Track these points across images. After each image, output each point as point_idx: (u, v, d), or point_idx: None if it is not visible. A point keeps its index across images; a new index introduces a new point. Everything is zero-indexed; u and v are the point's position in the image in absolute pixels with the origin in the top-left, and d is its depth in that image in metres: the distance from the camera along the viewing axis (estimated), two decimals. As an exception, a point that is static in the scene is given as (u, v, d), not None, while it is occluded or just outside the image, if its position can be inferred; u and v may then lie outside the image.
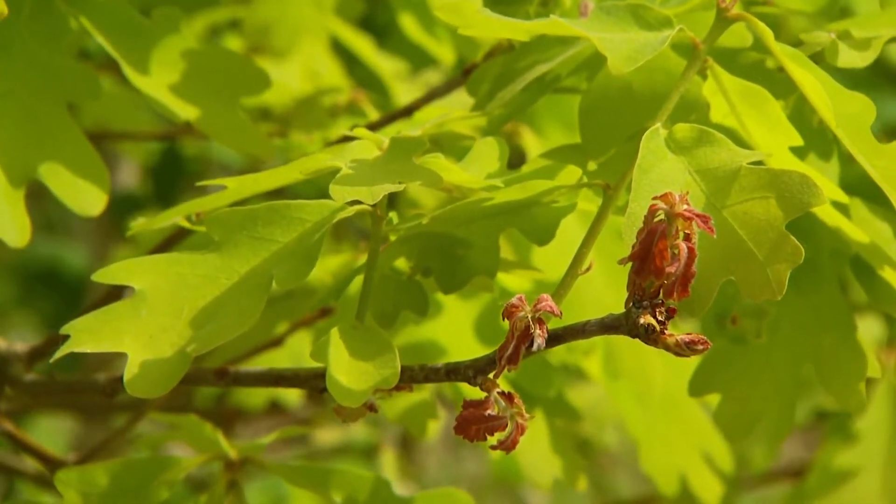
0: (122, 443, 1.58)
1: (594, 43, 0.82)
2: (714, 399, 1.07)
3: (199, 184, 0.96)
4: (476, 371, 0.81)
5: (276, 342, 1.27)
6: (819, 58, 0.90)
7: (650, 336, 0.76)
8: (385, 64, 1.75)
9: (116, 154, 2.43)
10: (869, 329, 1.69)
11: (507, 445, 0.79)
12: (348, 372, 0.80)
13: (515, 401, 0.79)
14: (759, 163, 0.80)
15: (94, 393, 1.06)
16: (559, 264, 0.87)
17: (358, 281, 0.92)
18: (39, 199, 1.25)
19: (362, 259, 1.17)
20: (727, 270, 0.78)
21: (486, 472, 2.88)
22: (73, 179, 1.05)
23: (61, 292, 2.91)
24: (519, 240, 1.02)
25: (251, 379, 1.02)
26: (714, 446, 1.45)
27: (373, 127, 1.10)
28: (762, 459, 1.78)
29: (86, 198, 1.06)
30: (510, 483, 2.68)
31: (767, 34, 0.85)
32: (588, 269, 0.82)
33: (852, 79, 0.94)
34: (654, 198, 0.75)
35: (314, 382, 0.89)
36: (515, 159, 0.95)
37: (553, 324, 0.77)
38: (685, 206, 0.75)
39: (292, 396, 1.95)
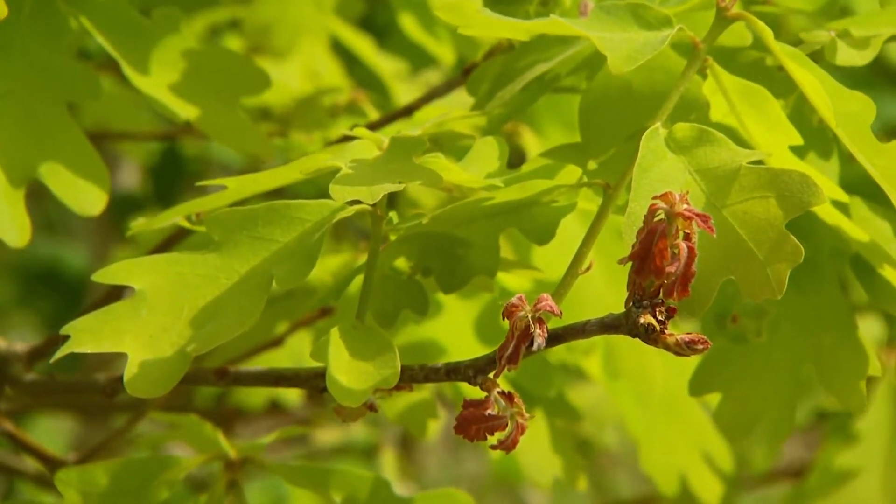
0: (122, 443, 1.58)
1: (594, 42, 0.82)
2: (714, 399, 1.07)
3: (199, 184, 0.96)
4: (476, 371, 0.81)
5: (276, 342, 1.27)
6: (818, 56, 0.90)
7: (650, 336, 0.76)
8: (385, 64, 1.75)
9: (117, 154, 2.43)
10: (869, 329, 1.69)
11: (508, 445, 0.79)
12: (348, 372, 0.80)
13: (515, 400, 0.79)
14: (759, 162, 0.80)
15: (94, 393, 1.06)
16: (559, 264, 0.87)
17: (358, 281, 0.92)
18: (39, 199, 1.25)
19: (362, 259, 1.17)
20: (727, 270, 0.78)
21: (486, 472, 2.88)
22: (73, 179, 1.05)
23: (61, 292, 2.91)
24: (519, 239, 1.02)
25: (251, 379, 1.02)
26: (714, 446, 1.45)
27: (373, 127, 1.10)
28: (762, 459, 1.78)
29: (86, 198, 1.06)
30: (510, 483, 2.68)
31: (767, 33, 0.85)
32: (588, 269, 0.82)
33: (852, 78, 0.94)
34: (654, 197, 0.75)
35: (314, 382, 0.89)
36: (515, 159, 0.95)
37: (553, 323, 0.77)
38: (685, 206, 0.75)
39: (292, 396, 1.95)
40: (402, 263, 0.96)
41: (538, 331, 0.76)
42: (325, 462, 2.19)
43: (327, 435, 2.29)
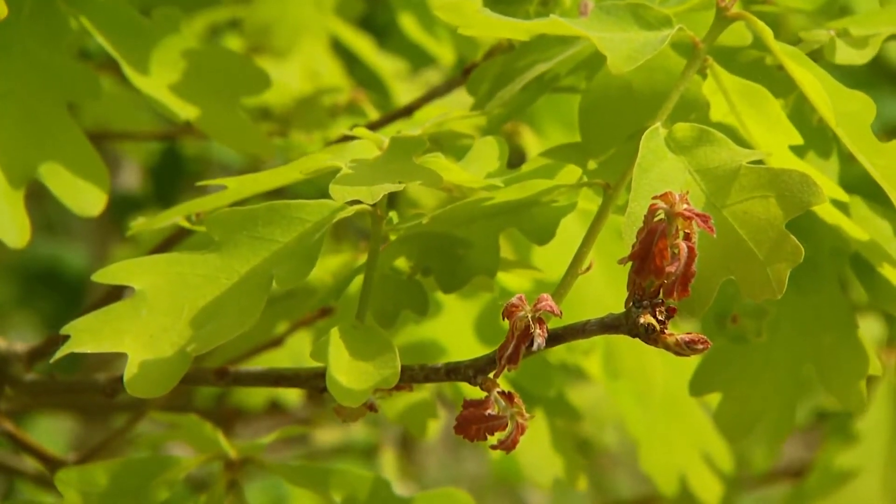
0: (122, 443, 1.58)
1: (594, 42, 0.82)
2: (714, 399, 1.07)
3: (199, 184, 0.96)
4: (476, 371, 0.81)
5: (276, 342, 1.27)
6: (818, 56, 0.90)
7: (650, 336, 0.76)
8: (385, 64, 1.75)
9: (117, 155, 2.43)
10: (869, 329, 1.69)
11: (508, 445, 0.79)
12: (348, 372, 0.80)
13: (516, 400, 0.79)
14: (759, 162, 0.80)
15: (94, 393, 1.06)
16: (559, 264, 0.86)
17: (358, 281, 0.92)
18: (39, 199, 1.25)
19: (362, 259, 1.17)
20: (727, 270, 0.78)
21: (486, 472, 2.88)
22: (73, 179, 1.05)
23: (61, 292, 2.91)
24: (519, 239, 1.02)
25: (251, 379, 1.02)
26: (714, 446, 1.45)
27: (373, 127, 1.10)
28: (762, 459, 1.78)
29: (86, 198, 1.06)
30: (510, 483, 2.68)
31: (767, 33, 0.85)
32: (588, 269, 0.82)
33: (852, 77, 0.94)
34: (654, 197, 0.75)
35: (314, 382, 0.89)
36: (515, 159, 0.95)
37: (553, 323, 0.77)
38: (685, 206, 0.75)
39: (292, 396, 1.95)
40: (402, 263, 0.96)
41: (538, 331, 0.76)
42: (325, 462, 2.19)
43: (327, 435, 2.29)
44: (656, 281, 0.75)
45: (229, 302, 0.83)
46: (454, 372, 0.83)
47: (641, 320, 0.76)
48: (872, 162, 0.85)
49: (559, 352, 1.27)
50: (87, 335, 0.82)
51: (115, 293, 1.08)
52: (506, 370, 0.78)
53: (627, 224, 0.77)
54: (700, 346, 0.75)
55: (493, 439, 0.79)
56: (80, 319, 0.83)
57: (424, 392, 1.25)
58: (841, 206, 0.91)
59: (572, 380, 1.74)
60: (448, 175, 0.86)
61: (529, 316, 0.76)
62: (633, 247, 0.76)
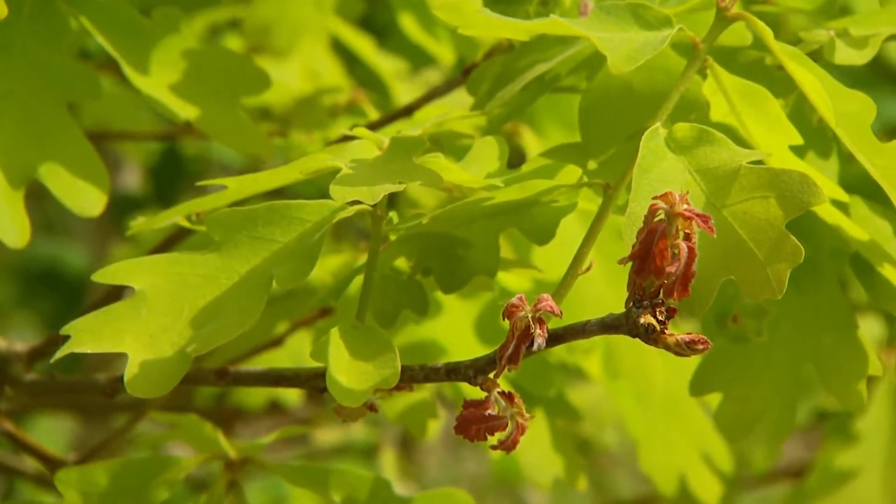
0: (122, 443, 1.58)
1: (594, 42, 0.82)
2: (714, 399, 1.07)
3: (199, 184, 0.96)
4: (476, 371, 0.81)
5: (276, 342, 1.27)
6: (818, 56, 0.90)
7: (650, 336, 0.76)
8: (385, 64, 1.75)
9: (118, 155, 2.43)
10: (869, 329, 1.69)
11: (508, 445, 0.79)
12: (348, 372, 0.80)
13: (516, 400, 0.79)
14: (759, 162, 0.80)
15: (94, 393, 1.06)
16: (559, 264, 0.86)
17: (358, 281, 0.92)
18: (39, 199, 1.25)
19: (362, 259, 1.17)
20: (727, 270, 0.78)
21: (486, 472, 2.88)
22: (73, 179, 1.05)
23: (61, 292, 2.91)
24: (519, 239, 1.02)
25: (251, 379, 1.02)
26: (714, 446, 1.45)
27: (373, 127, 1.10)
28: (762, 459, 1.78)
29: (86, 198, 1.06)
30: (510, 483, 2.68)
31: (767, 33, 0.85)
32: (588, 269, 0.82)
33: (852, 77, 0.94)
34: (655, 197, 0.75)
35: (314, 382, 0.89)
36: (515, 159, 0.95)
37: (553, 323, 0.77)
38: (685, 206, 0.75)
39: (292, 396, 1.95)
40: (402, 263, 0.96)
41: (538, 331, 0.76)
42: (325, 462, 2.19)
43: (327, 435, 2.29)
44: (656, 281, 0.75)
45: (229, 302, 0.83)
46: (454, 372, 0.82)
47: (642, 320, 0.76)
48: (872, 162, 0.85)
49: (559, 352, 1.27)
50: (87, 335, 0.82)
51: (115, 293, 1.08)
52: (506, 370, 0.78)
53: (627, 224, 0.77)
54: (700, 347, 0.75)
55: (493, 439, 0.79)
56: (80, 319, 0.83)
57: (424, 392, 1.25)
58: (841, 207, 0.91)
59: (572, 380, 1.74)
60: (448, 175, 0.86)
61: (530, 316, 0.76)
62: (634, 247, 0.76)
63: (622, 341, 1.26)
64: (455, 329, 1.23)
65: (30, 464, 1.42)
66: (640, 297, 0.76)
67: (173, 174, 2.39)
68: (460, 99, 1.13)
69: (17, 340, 1.19)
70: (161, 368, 0.81)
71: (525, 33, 0.92)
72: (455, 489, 1.00)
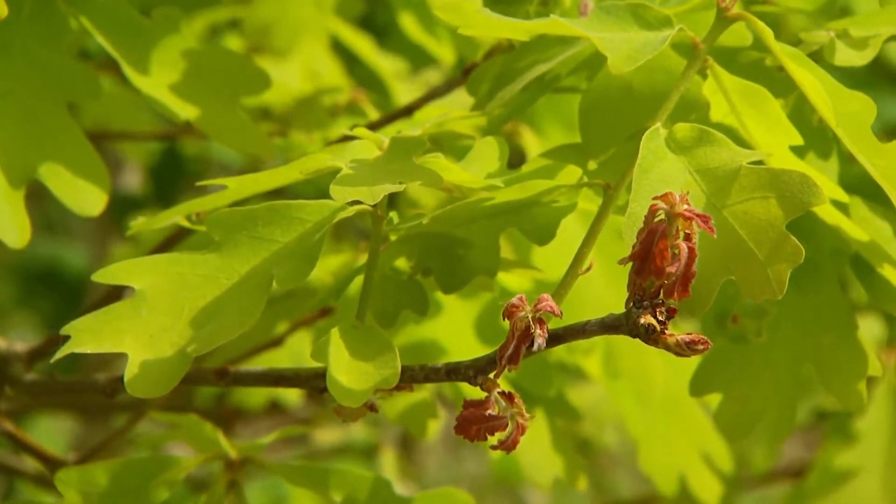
0: (122, 443, 1.58)
1: (594, 42, 0.82)
2: (714, 399, 1.07)
3: (199, 184, 0.96)
4: (476, 371, 0.81)
5: (276, 342, 1.27)
6: (818, 56, 0.90)
7: (650, 336, 0.76)
8: (385, 64, 1.75)
9: (118, 155, 2.43)
10: (869, 329, 1.69)
11: (508, 445, 0.79)
12: (348, 372, 0.80)
13: (516, 401, 0.79)
14: (760, 162, 0.80)
15: (94, 393, 1.06)
16: (559, 264, 0.86)
17: (358, 281, 0.92)
18: (39, 199, 1.25)
19: (362, 259, 1.17)
20: (727, 270, 0.78)
21: (486, 472, 2.88)
22: (73, 179, 1.05)
23: (61, 292, 2.91)
24: (519, 239, 1.02)
25: (251, 379, 1.02)
26: (714, 446, 1.45)
27: (373, 127, 1.10)
28: (762, 459, 1.78)
29: (86, 198, 1.06)
30: (510, 483, 2.68)
31: (767, 33, 0.85)
32: (588, 269, 0.82)
33: (852, 78, 0.94)
34: (655, 197, 0.75)
35: (314, 382, 0.89)
36: (515, 159, 0.95)
37: (553, 324, 0.77)
38: (685, 206, 0.75)
39: (292, 396, 1.95)
40: (402, 263, 0.96)
41: (538, 331, 0.76)
42: (325, 462, 2.19)
43: (327, 435, 2.29)
44: (657, 281, 0.75)
45: (229, 302, 0.83)
46: (454, 372, 0.82)
47: (642, 321, 0.76)
48: (872, 162, 0.85)
49: (559, 352, 1.27)
50: (87, 335, 0.82)
51: (115, 293, 1.08)
52: (506, 370, 0.78)
53: (628, 224, 0.77)
54: (700, 347, 0.75)
55: (493, 439, 0.79)
56: (80, 319, 0.83)
57: (424, 392, 1.24)
58: (841, 207, 0.92)
59: (572, 380, 1.74)
60: (448, 175, 0.86)
61: (530, 316, 0.76)
62: (634, 247, 0.76)
63: (622, 341, 1.26)
64: (455, 329, 1.23)
65: (30, 464, 1.42)
66: (641, 297, 0.76)
67: (173, 174, 2.39)
68: (460, 99, 1.13)
69: (17, 340, 1.19)
70: (161, 368, 0.81)
71: (525, 33, 0.92)
72: (455, 489, 1.00)
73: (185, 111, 1.08)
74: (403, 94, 1.68)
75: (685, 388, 1.05)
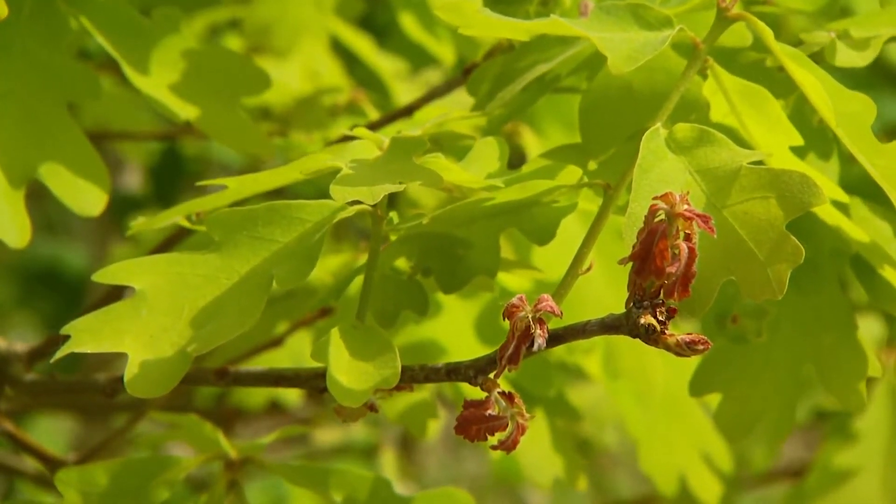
0: (122, 443, 1.58)
1: (594, 43, 0.82)
2: (714, 399, 1.07)
3: (199, 184, 0.96)
4: (476, 371, 0.81)
5: (276, 342, 1.27)
6: (819, 57, 0.90)
7: (651, 336, 0.76)
8: (385, 64, 1.75)
9: (118, 155, 2.43)
10: (869, 329, 1.69)
11: (508, 445, 0.79)
12: (349, 372, 0.80)
13: (516, 401, 0.79)
14: (760, 162, 0.80)
15: (94, 393, 1.06)
16: (559, 264, 0.87)
17: (358, 281, 0.92)
18: (39, 199, 1.25)
19: (362, 259, 1.17)
20: (728, 270, 0.78)
21: (486, 472, 2.88)
22: (73, 179, 1.05)
23: (61, 292, 2.91)
24: (519, 240, 1.02)
25: (251, 379, 1.02)
26: (714, 446, 1.45)
27: (373, 127, 1.10)
28: (762, 459, 1.78)
29: (86, 198, 1.06)
30: (510, 483, 2.68)
31: (767, 34, 0.85)
32: (588, 269, 0.82)
33: (852, 78, 0.94)
34: (655, 198, 0.75)
35: (314, 382, 0.89)
36: (515, 159, 0.95)
37: (554, 324, 0.77)
38: (686, 206, 0.75)
39: (292, 396, 1.95)
40: (402, 263, 0.96)
41: (539, 331, 0.76)
42: (325, 462, 2.19)
43: (327, 435, 2.29)
44: (657, 281, 0.75)
45: (229, 302, 0.83)
46: (454, 372, 0.82)
47: (642, 321, 0.76)
48: (872, 162, 0.85)
49: (559, 352, 1.27)
50: (87, 335, 0.82)
51: (115, 293, 1.08)
52: (506, 370, 0.78)
53: (628, 224, 0.77)
54: (700, 347, 0.75)
55: (493, 439, 0.79)
56: (80, 319, 0.83)
57: (424, 392, 1.25)
58: (841, 207, 0.92)
59: (572, 380, 1.74)
60: (448, 175, 0.86)
61: (530, 316, 0.76)
62: (634, 247, 0.76)
63: (622, 341, 1.26)
64: (455, 329, 1.23)
65: (30, 464, 1.42)
66: (641, 297, 0.76)
67: (173, 174, 2.39)
68: (460, 99, 1.13)
69: (17, 340, 1.19)
70: (161, 368, 0.81)
71: (525, 33, 0.92)
72: (455, 489, 1.00)
73: (185, 111, 1.08)
74: (403, 94, 1.68)
75: (685, 388, 1.05)
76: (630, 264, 0.76)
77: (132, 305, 0.83)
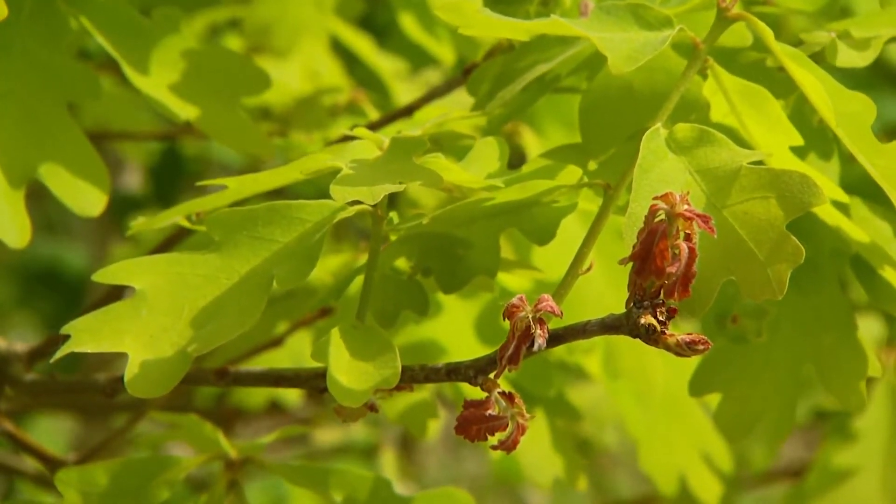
0: (122, 443, 1.58)
1: (594, 43, 0.82)
2: (714, 399, 1.07)
3: (199, 184, 0.96)
4: (477, 371, 0.81)
5: (276, 342, 1.27)
6: (819, 57, 0.90)
7: (651, 336, 0.76)
8: (385, 64, 1.75)
9: (118, 155, 2.43)
10: (869, 329, 1.69)
11: (508, 445, 0.79)
12: (349, 372, 0.80)
13: (516, 401, 0.79)
14: (760, 162, 0.80)
15: (94, 393, 1.06)
16: (559, 264, 0.87)
17: (358, 281, 0.92)
18: (39, 199, 1.25)
19: (362, 259, 1.17)
20: (728, 270, 0.78)
21: (486, 472, 2.88)
22: (73, 179, 1.05)
23: (61, 292, 2.91)
24: (519, 240, 1.02)
25: (251, 379, 1.02)
26: (714, 446, 1.45)
27: (373, 127, 1.10)
28: (762, 459, 1.78)
29: (86, 198, 1.06)
30: (510, 483, 2.68)
31: (768, 34, 0.85)
32: (589, 269, 0.82)
33: (853, 79, 0.94)
34: (655, 198, 0.75)
35: (314, 382, 0.89)
36: (515, 159, 0.95)
37: (554, 324, 0.77)
38: (686, 206, 0.75)
39: (292, 396, 1.95)
40: (402, 263, 0.96)
41: (539, 331, 0.76)
42: (325, 462, 2.19)
43: (327, 435, 2.29)
44: (657, 281, 0.75)
45: (229, 302, 0.83)
46: (454, 372, 0.82)
47: (642, 321, 0.76)
48: (872, 163, 0.85)
49: (559, 352, 1.27)
50: (87, 335, 0.82)
51: (115, 293, 1.08)
52: (506, 370, 0.78)
53: (628, 224, 0.77)
54: (700, 347, 0.75)
55: (493, 439, 0.79)
56: (80, 319, 0.83)
57: (424, 392, 1.25)
58: (841, 207, 0.92)
59: (572, 380, 1.74)
60: (448, 175, 0.86)
61: (530, 316, 0.76)
62: (634, 247, 0.76)
63: (622, 341, 1.26)
64: (455, 329, 1.23)
65: (30, 464, 1.42)
66: (641, 297, 0.76)
67: (173, 174, 2.39)
68: (460, 99, 1.13)
69: (17, 340, 1.19)
70: (161, 368, 0.81)
71: (525, 33, 0.92)
72: (455, 489, 1.00)
73: (185, 111, 1.08)
74: (403, 94, 1.68)
75: (685, 388, 1.05)
76: (630, 264, 0.76)
77: (132, 305, 0.83)
